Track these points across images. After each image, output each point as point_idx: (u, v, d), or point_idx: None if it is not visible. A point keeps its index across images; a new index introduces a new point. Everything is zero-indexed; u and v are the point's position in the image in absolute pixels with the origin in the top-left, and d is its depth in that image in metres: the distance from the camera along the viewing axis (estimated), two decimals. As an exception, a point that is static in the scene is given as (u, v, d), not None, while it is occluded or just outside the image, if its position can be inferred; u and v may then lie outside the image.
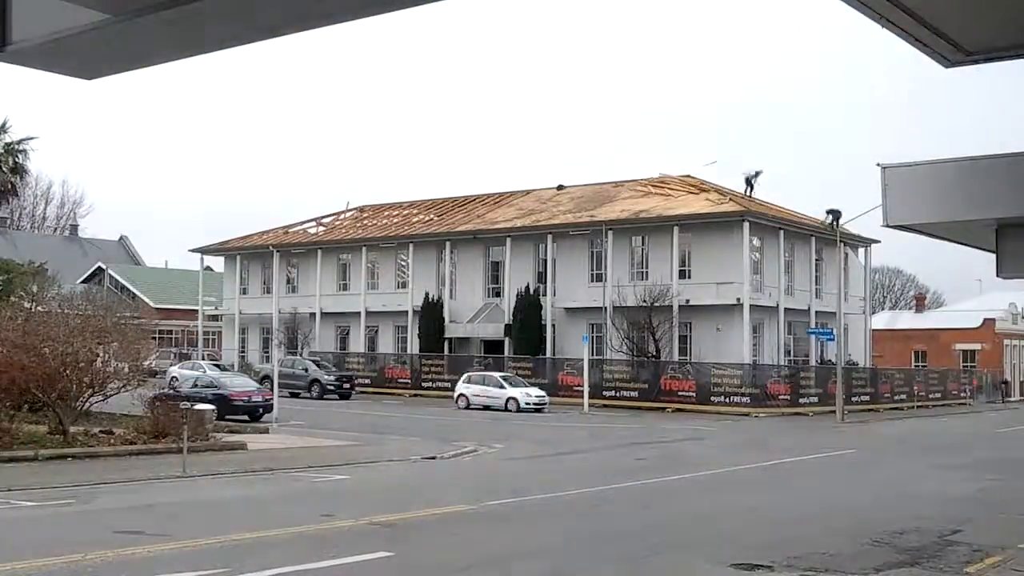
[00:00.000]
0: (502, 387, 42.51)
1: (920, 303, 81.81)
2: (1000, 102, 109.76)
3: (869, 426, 40.54)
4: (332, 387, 46.96)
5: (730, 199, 49.85)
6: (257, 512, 14.94)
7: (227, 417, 28.95)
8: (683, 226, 47.34)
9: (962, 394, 60.26)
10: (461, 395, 43.65)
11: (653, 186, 53.96)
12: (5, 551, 10.92)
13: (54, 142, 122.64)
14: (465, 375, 45.54)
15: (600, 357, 46.91)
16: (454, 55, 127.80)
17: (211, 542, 11.80)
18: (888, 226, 13.04)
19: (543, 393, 42.97)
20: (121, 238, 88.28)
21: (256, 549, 11.56)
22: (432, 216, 59.29)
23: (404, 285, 56.10)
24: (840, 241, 47.43)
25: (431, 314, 52.94)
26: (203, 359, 55.04)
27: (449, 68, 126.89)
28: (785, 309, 48.64)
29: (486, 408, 41.55)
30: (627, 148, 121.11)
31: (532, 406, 41.32)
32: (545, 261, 51.57)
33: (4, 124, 39.89)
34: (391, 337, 56.24)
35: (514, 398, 41.77)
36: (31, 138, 40.85)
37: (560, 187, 58.11)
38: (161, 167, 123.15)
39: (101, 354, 24.15)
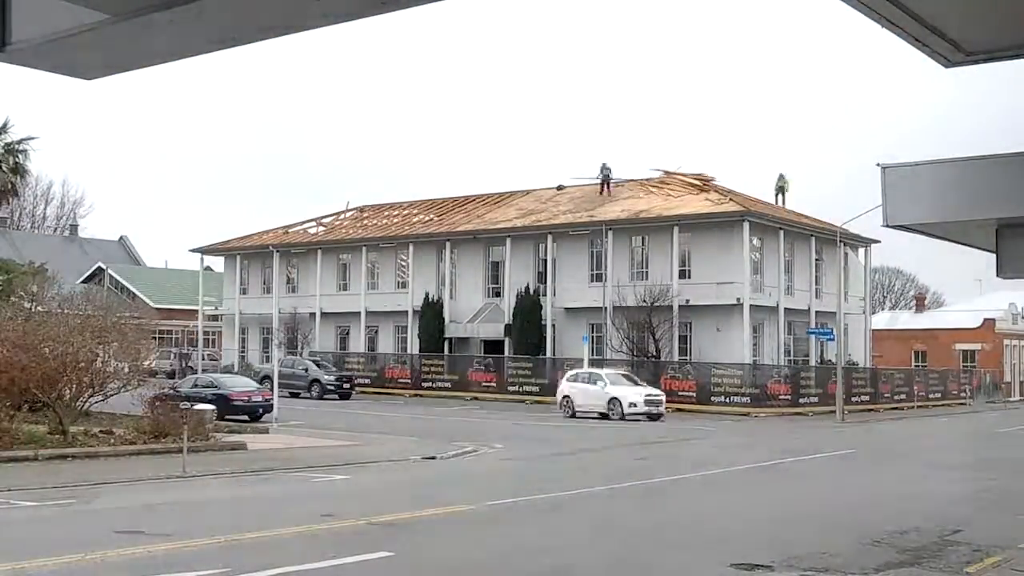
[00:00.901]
0: (604, 385, 37.13)
1: (920, 303, 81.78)
2: (1000, 102, 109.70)
3: (869, 426, 40.54)
4: (332, 387, 46.96)
5: (730, 199, 49.86)
6: (257, 512, 14.93)
7: (227, 417, 28.94)
8: (683, 226, 47.35)
9: (962, 394, 60.26)
10: (566, 398, 38.11)
11: (653, 186, 53.96)
12: (5, 551, 10.92)
13: (54, 142, 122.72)
14: (570, 372, 39.97)
15: (600, 357, 46.86)
16: (454, 55, 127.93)
17: (211, 542, 11.80)
18: (888, 226, 13.00)
19: (660, 393, 37.99)
20: (121, 238, 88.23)
21: (256, 549, 11.56)
22: (432, 216, 59.28)
23: (404, 285, 56.08)
24: (840, 241, 47.45)
25: (431, 314, 52.94)
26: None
27: (449, 68, 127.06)
28: (785, 309, 48.65)
29: (602, 416, 36.03)
30: (627, 148, 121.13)
31: (644, 411, 35.82)
32: (545, 261, 51.56)
33: (4, 124, 39.90)
34: (391, 337, 56.23)
35: (616, 399, 36.17)
36: (31, 138, 40.87)
37: (560, 187, 58.08)
38: (161, 167, 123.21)
39: (101, 354, 24.15)
